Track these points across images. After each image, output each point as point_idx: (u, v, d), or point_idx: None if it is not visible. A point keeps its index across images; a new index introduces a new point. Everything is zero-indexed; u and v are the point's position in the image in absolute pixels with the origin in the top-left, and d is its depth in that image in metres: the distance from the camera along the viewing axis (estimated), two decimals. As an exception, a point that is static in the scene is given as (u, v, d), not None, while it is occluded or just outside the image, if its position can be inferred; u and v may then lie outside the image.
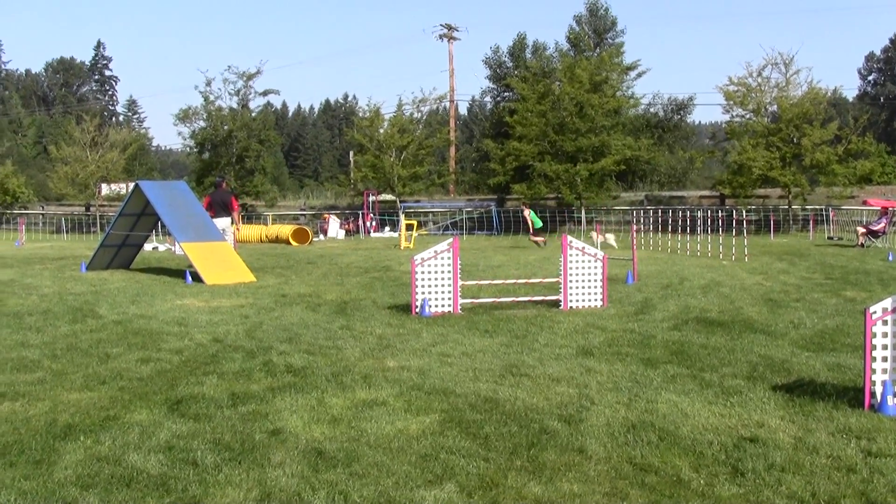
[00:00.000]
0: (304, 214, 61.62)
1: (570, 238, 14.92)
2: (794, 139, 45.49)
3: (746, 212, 43.40)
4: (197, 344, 11.48)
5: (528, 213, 36.47)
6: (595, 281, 14.84)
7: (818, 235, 41.36)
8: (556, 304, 14.80)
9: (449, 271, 14.22)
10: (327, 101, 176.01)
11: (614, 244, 32.32)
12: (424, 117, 60.93)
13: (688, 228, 34.45)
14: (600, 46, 58.86)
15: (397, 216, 50.82)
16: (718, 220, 33.91)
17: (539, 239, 35.17)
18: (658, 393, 8.37)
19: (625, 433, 7.02)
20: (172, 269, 24.28)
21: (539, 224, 36.20)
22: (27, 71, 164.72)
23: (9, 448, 6.82)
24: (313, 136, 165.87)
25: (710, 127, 78.18)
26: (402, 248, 35.55)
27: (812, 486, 5.83)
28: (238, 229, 26.27)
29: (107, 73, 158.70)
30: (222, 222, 24.82)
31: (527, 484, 5.88)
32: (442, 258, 14.22)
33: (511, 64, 65.46)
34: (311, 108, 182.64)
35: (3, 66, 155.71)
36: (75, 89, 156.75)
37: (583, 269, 14.78)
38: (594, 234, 32.63)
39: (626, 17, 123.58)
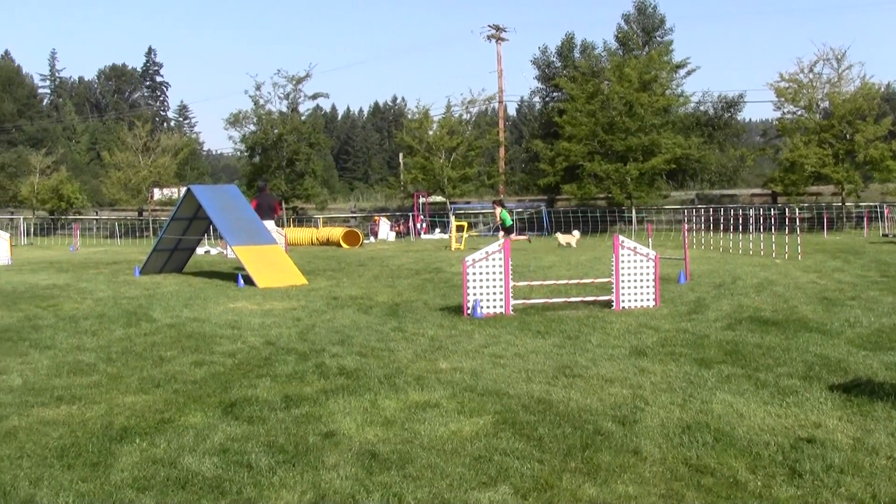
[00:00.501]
0: (354, 217, 61.81)
1: (621, 238, 14.84)
2: (847, 135, 45.08)
3: (799, 209, 43.02)
4: (250, 347, 11.53)
5: (499, 213, 36.42)
6: (647, 281, 14.75)
7: (873, 233, 40.96)
8: (608, 304, 14.72)
9: (500, 272, 14.19)
10: (376, 104, 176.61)
11: (573, 244, 32.72)
12: (473, 118, 60.97)
13: (739, 227, 34.11)
14: (649, 45, 58.63)
15: (447, 218, 50.83)
16: (770, 219, 33.60)
17: (515, 237, 35.55)
18: (713, 393, 8.29)
19: (680, 434, 6.96)
20: (224, 272, 24.43)
21: (509, 223, 36.13)
22: (80, 78, 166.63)
23: (66, 451, 6.88)
24: (363, 139, 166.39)
25: (761, 124, 77.64)
26: (452, 249, 35.54)
27: (872, 487, 5.74)
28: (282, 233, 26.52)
29: (158, 79, 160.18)
30: (269, 225, 25.08)
31: (581, 485, 5.85)
32: (493, 259, 14.19)
33: (560, 64, 65.38)
34: (361, 110, 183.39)
35: (57, 74, 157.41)
36: (127, 95, 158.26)
37: (635, 269, 14.70)
38: (559, 236, 33.03)
39: (674, 15, 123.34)
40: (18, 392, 9.05)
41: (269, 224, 25.29)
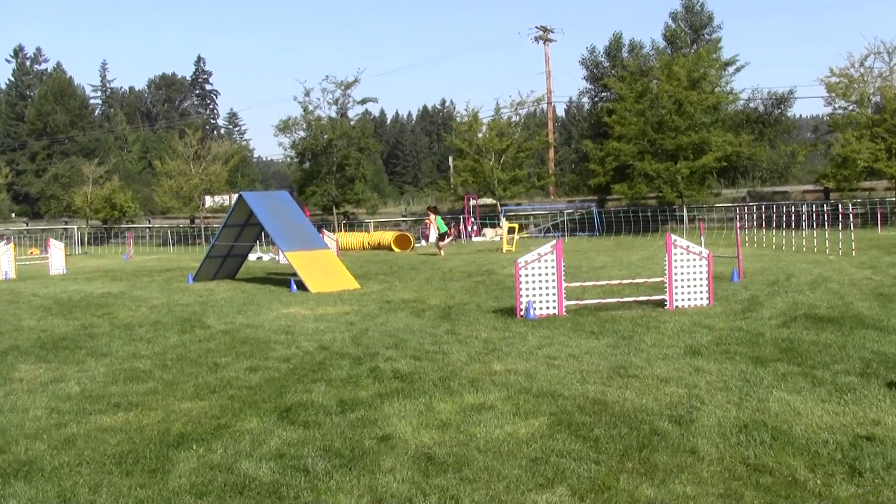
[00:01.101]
0: (405, 220, 61.86)
1: (674, 237, 14.75)
2: (900, 129, 44.51)
3: (852, 205, 42.53)
4: (304, 352, 11.58)
5: (434, 219, 36.69)
6: (700, 279, 14.65)
7: (928, 227, 40.49)
8: (661, 303, 14.64)
9: (553, 273, 14.15)
10: (425, 107, 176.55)
11: (496, 238, 32.85)
12: (522, 120, 60.87)
13: (792, 224, 33.84)
14: (697, 43, 58.21)
15: (498, 220, 50.77)
16: (824, 215, 33.31)
17: (442, 244, 35.79)
18: (769, 392, 8.22)
19: (737, 433, 6.91)
20: (277, 278, 24.54)
21: (444, 230, 36.43)
22: (131, 88, 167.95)
23: (124, 457, 6.94)
24: (412, 143, 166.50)
25: (812, 120, 77.01)
26: (504, 251, 35.48)
27: (934, 484, 5.68)
28: None
29: (207, 87, 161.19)
30: None
31: (639, 486, 5.82)
32: (546, 260, 14.15)
33: (608, 64, 65.12)
34: (409, 114, 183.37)
35: (108, 85, 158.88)
36: (177, 104, 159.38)
37: (688, 268, 14.60)
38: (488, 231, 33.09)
39: (722, 12, 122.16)
40: (76, 399, 9.15)
41: None
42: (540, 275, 14.11)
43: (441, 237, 36.20)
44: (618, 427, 7.19)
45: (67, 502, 5.99)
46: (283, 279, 23.11)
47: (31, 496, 6.12)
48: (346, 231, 52.67)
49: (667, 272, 14.55)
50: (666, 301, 14.51)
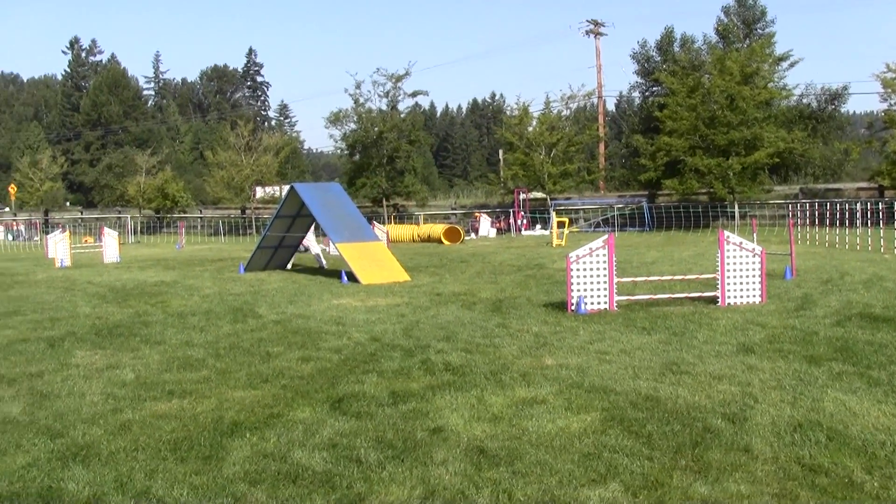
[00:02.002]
0: (454, 213, 61.89)
1: (727, 233, 14.65)
2: (959, 125, 44.00)
3: (908, 203, 42.09)
4: (355, 343, 11.62)
5: None
6: (753, 277, 14.54)
7: None
8: (713, 300, 14.54)
9: (604, 268, 14.10)
10: (475, 101, 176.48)
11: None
12: (572, 114, 60.69)
13: (846, 222, 33.53)
14: (750, 37, 57.80)
15: (548, 214, 50.68)
16: (879, 213, 32.97)
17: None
18: (824, 391, 8.15)
19: (791, 432, 6.86)
20: (328, 269, 24.63)
21: None
22: (183, 80, 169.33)
23: (179, 444, 7.00)
24: (461, 136, 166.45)
25: (867, 116, 76.10)
26: (554, 245, 35.45)
27: None
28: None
29: (258, 79, 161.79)
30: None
31: (692, 484, 5.79)
32: (597, 255, 14.11)
33: (659, 58, 64.80)
34: (459, 107, 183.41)
35: (161, 76, 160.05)
36: (229, 96, 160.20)
37: (740, 265, 14.49)
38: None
39: (775, 6, 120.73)
40: (131, 386, 9.24)
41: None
42: (591, 269, 14.07)
43: None
44: (670, 424, 7.17)
45: (124, 487, 6.05)
46: (334, 270, 23.20)
47: (88, 480, 6.20)
48: (396, 223, 52.73)
49: (719, 269, 14.46)
50: (718, 298, 14.41)
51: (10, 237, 60.80)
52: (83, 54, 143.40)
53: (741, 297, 14.42)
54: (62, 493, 5.97)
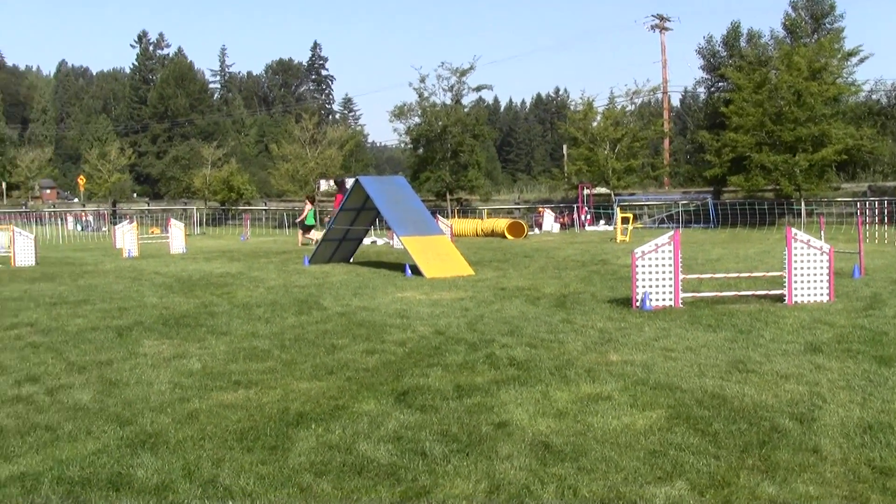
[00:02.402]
0: (518, 208, 61.78)
1: (794, 231, 14.50)
2: None
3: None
4: (420, 336, 11.64)
5: (308, 210, 37.45)
6: (821, 275, 14.38)
7: None
8: (779, 298, 14.39)
9: (670, 265, 14.02)
10: (538, 95, 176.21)
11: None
12: (637, 109, 60.42)
13: (917, 220, 33.08)
14: (818, 32, 57.06)
15: (612, 209, 50.47)
16: (949, 212, 32.47)
17: (307, 236, 36.50)
18: (894, 392, 8.04)
19: (861, 434, 6.78)
20: (391, 262, 24.70)
21: (311, 223, 37.34)
22: (249, 73, 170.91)
23: (245, 433, 7.06)
24: (525, 130, 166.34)
25: (939, 114, 75.11)
26: (617, 241, 35.29)
27: None
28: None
29: (323, 72, 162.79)
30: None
31: (760, 483, 5.75)
32: (663, 251, 14.03)
33: (725, 53, 64.24)
34: (523, 102, 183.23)
35: (227, 70, 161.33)
36: (294, 89, 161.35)
37: (808, 263, 14.33)
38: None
39: (845, 1, 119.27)
40: (198, 376, 9.34)
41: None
42: (656, 266, 13.99)
43: (306, 229, 37.20)
44: (737, 422, 7.11)
45: (192, 475, 6.12)
46: (398, 263, 23.25)
47: (157, 467, 6.27)
48: (459, 217, 52.75)
49: (786, 266, 14.32)
50: (785, 296, 14.27)
51: (79, 227, 61.54)
52: (151, 48, 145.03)
53: (808, 295, 14.26)
54: (132, 479, 6.05)
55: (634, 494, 5.62)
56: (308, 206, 37.71)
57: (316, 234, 36.18)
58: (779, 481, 5.78)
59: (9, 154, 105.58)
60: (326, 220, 25.85)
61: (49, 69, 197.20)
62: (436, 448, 6.60)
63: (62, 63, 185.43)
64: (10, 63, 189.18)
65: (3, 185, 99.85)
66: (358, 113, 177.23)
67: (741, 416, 7.27)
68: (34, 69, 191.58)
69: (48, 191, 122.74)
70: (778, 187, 48.03)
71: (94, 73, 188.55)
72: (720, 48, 65.04)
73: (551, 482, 5.83)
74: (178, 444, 6.84)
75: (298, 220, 40.04)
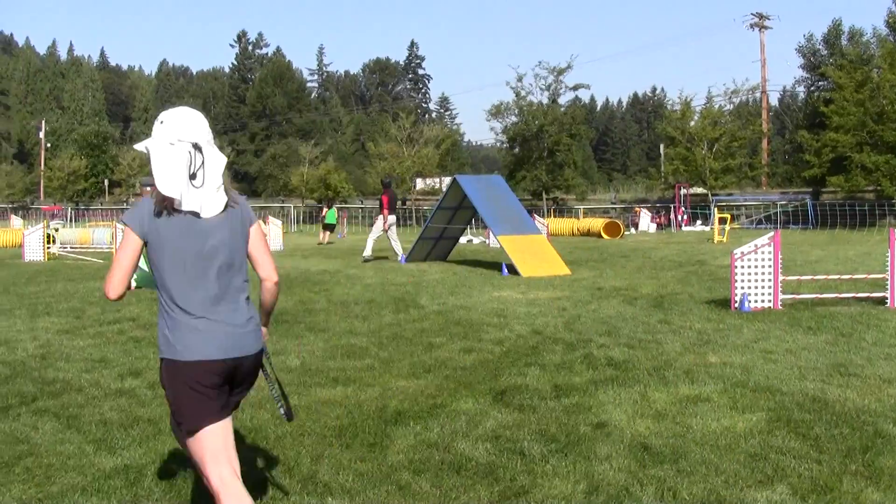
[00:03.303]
0: (614, 208, 61.51)
1: (897, 232, 14.24)
2: None
3: None
4: (517, 335, 11.65)
5: (326, 212, 39.28)
6: (925, 278, 14.11)
7: None
8: (881, 301, 14.14)
9: (769, 266, 13.85)
10: (635, 95, 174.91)
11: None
12: (735, 109, 59.85)
13: None
14: (923, 29, 56.09)
15: (709, 209, 50.03)
16: None
17: (327, 235, 37.76)
18: None
19: (968, 442, 6.65)
20: (488, 261, 24.74)
21: (332, 221, 39.07)
22: (346, 72, 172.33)
23: (344, 430, 7.12)
24: (621, 130, 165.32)
25: None
26: (715, 241, 34.97)
27: None
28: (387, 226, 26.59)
29: (420, 71, 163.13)
30: (393, 217, 26.26)
31: (864, 490, 5.65)
32: (762, 252, 13.87)
33: (826, 52, 63.39)
34: (619, 101, 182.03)
35: (324, 69, 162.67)
36: (390, 88, 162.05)
37: (912, 266, 14.08)
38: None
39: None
40: (297, 372, 9.44)
41: (392, 218, 26.18)
42: (755, 266, 13.84)
43: (328, 228, 38.30)
44: (839, 427, 7.01)
45: (291, 471, 6.18)
46: (494, 262, 23.28)
47: (256, 463, 6.35)
48: (555, 216, 52.67)
49: (888, 268, 14.07)
50: (887, 299, 14.02)
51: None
52: (250, 47, 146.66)
53: (912, 298, 14.01)
54: (232, 474, 6.13)
55: (735, 498, 5.56)
56: (326, 210, 38.84)
57: (328, 236, 37.63)
58: (883, 487, 5.68)
59: (111, 152, 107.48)
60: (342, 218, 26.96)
61: (151, 69, 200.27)
62: (534, 448, 6.60)
63: (163, 63, 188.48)
64: (113, 63, 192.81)
65: (106, 182, 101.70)
66: (454, 112, 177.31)
67: (843, 421, 7.16)
68: (136, 69, 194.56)
69: (149, 188, 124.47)
70: (879, 188, 47.28)
71: (195, 73, 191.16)
72: (821, 46, 64.27)
73: (650, 484, 5.80)
74: (277, 439, 6.91)
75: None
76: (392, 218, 25.91)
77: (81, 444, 6.88)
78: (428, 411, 7.69)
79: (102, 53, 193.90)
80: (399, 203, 63.83)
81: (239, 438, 6.88)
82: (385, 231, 26.12)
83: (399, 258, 25.16)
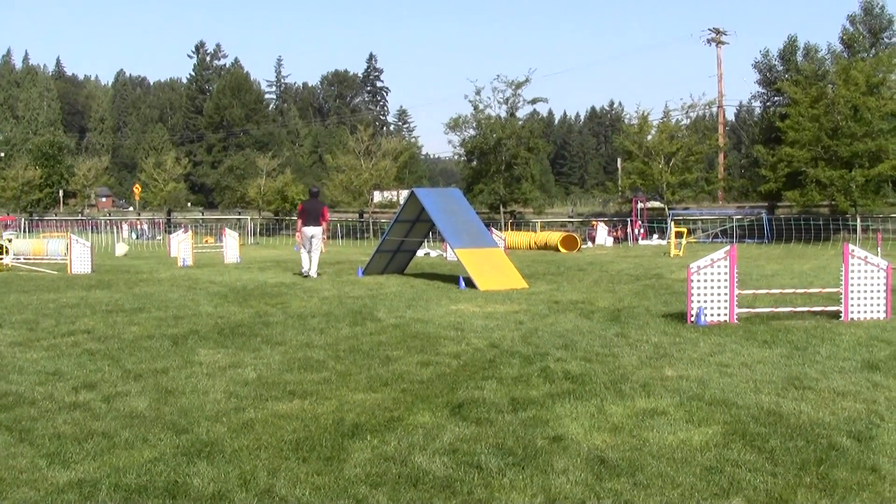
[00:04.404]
0: (571, 221, 61.70)
1: (852, 247, 14.37)
2: None
3: None
4: (474, 349, 11.64)
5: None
6: (878, 292, 14.23)
7: None
8: (835, 315, 14.27)
9: (725, 280, 13.93)
10: (593, 108, 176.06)
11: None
12: (692, 123, 60.29)
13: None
14: (876, 47, 56.68)
15: (666, 224, 50.30)
16: None
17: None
18: (954, 411, 7.96)
19: (920, 453, 6.72)
20: (445, 274, 24.74)
21: None
22: (304, 84, 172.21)
23: (301, 444, 7.09)
24: (579, 144, 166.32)
25: None
26: (671, 255, 35.16)
27: None
28: (326, 241, 25.68)
29: (378, 84, 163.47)
30: (311, 230, 24.69)
31: (818, 502, 5.70)
32: (718, 266, 13.95)
33: (781, 67, 63.94)
34: (577, 115, 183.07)
35: (282, 80, 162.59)
36: (349, 100, 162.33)
37: (864, 280, 14.20)
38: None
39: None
40: (253, 385, 9.39)
41: (311, 230, 24.73)
42: (712, 280, 13.92)
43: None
44: (794, 440, 7.06)
45: (248, 484, 6.15)
46: (452, 276, 23.29)
47: (213, 476, 6.31)
48: (512, 230, 52.77)
49: (842, 283, 14.20)
50: (841, 312, 14.15)
51: (133, 235, 62.19)
52: (208, 58, 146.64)
53: (865, 312, 14.14)
54: (188, 488, 6.08)
55: (691, 510, 5.60)
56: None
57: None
58: (837, 500, 5.73)
59: (66, 162, 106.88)
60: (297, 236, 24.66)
61: (107, 79, 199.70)
62: (491, 461, 6.60)
63: (120, 73, 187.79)
64: (69, 72, 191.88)
65: (61, 193, 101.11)
66: (412, 125, 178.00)
67: (798, 434, 7.22)
68: (93, 78, 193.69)
69: (104, 199, 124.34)
70: (833, 203, 47.75)
71: (152, 83, 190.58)
72: (777, 62, 64.83)
73: (607, 497, 5.81)
74: (233, 453, 6.87)
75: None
76: (310, 231, 24.73)
77: (34, 457, 6.80)
78: (385, 425, 7.67)
79: (58, 62, 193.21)
80: (358, 215, 63.94)
81: (195, 452, 6.87)
82: (300, 242, 25.09)
83: (302, 271, 24.54)
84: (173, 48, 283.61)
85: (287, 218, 71.27)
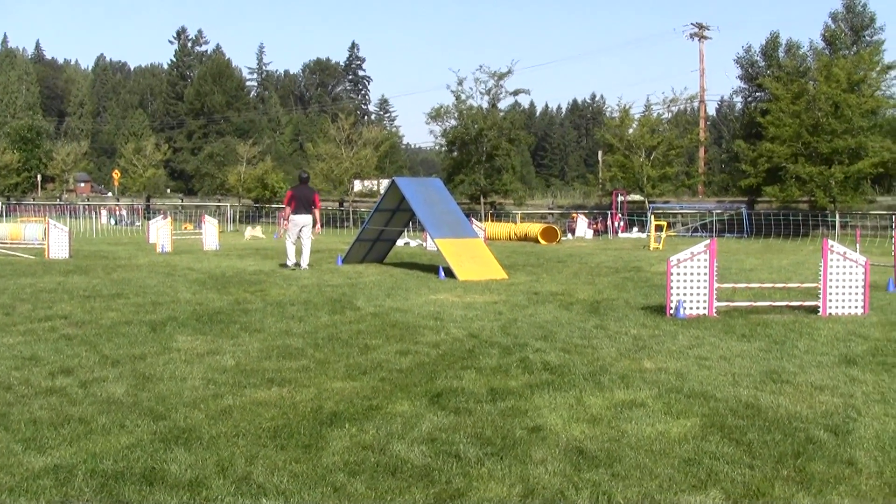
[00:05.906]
0: (551, 213, 61.72)
1: (831, 242, 14.41)
2: None
3: None
4: (453, 338, 11.64)
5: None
6: (856, 287, 14.28)
7: None
8: (813, 309, 14.31)
9: (705, 273, 13.96)
10: (574, 101, 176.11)
11: (260, 235, 37.42)
12: (673, 117, 60.38)
13: (953, 235, 32.73)
14: (857, 44, 56.79)
15: (646, 217, 50.38)
16: None
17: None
18: (930, 406, 7.99)
19: (896, 447, 6.75)
20: (425, 264, 24.72)
21: None
22: (286, 72, 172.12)
23: (279, 431, 7.07)
24: (560, 136, 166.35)
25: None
26: (651, 248, 35.23)
27: None
28: (319, 230, 24.35)
29: (360, 73, 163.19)
30: (302, 219, 23.31)
31: (795, 494, 5.72)
32: (698, 260, 13.98)
33: (763, 63, 64.06)
34: (559, 107, 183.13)
35: (264, 68, 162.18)
36: (330, 89, 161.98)
37: (843, 275, 14.25)
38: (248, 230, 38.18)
39: (885, 14, 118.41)
40: (232, 372, 9.36)
41: (302, 218, 23.25)
42: (691, 274, 13.94)
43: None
44: (771, 433, 7.08)
45: (225, 471, 6.12)
46: (431, 265, 23.28)
47: (190, 462, 6.28)
48: (493, 221, 52.77)
49: (821, 278, 14.24)
50: (819, 307, 14.20)
51: (112, 221, 61.94)
52: (189, 44, 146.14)
53: (843, 307, 14.19)
54: (165, 474, 6.06)
55: (669, 502, 5.60)
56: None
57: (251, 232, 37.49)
58: (814, 493, 5.74)
59: (45, 147, 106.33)
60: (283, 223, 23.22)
61: (87, 63, 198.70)
62: (470, 451, 6.59)
63: (100, 57, 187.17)
64: (48, 56, 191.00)
65: (39, 177, 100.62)
66: (394, 114, 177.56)
67: (776, 427, 7.24)
68: (72, 63, 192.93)
69: (83, 184, 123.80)
70: (813, 199, 47.86)
71: (132, 69, 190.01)
72: (759, 58, 64.94)
73: (585, 488, 5.81)
74: (211, 440, 6.85)
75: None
76: (301, 219, 23.38)
77: (10, 443, 6.76)
78: (363, 413, 7.65)
79: (38, 46, 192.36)
80: (338, 204, 63.81)
81: (172, 438, 6.84)
82: (284, 231, 24.03)
83: (288, 263, 23.24)
84: (154, 34, 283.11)
85: (267, 206, 71.14)
